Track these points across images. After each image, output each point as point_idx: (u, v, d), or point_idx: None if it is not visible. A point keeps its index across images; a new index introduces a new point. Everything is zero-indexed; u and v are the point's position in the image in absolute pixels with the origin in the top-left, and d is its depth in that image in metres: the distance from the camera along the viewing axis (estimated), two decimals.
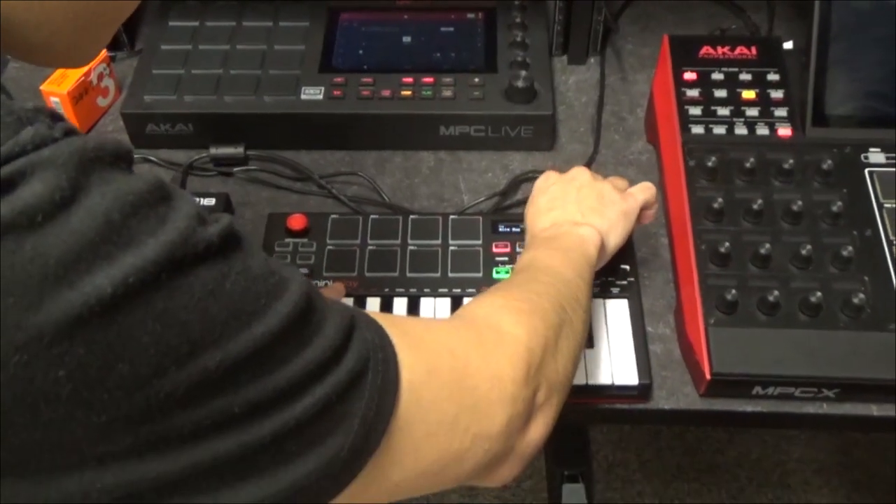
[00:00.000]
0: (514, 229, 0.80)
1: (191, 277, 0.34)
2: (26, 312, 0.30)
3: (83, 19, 0.42)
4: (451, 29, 0.98)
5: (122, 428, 0.33)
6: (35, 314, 0.30)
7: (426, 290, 0.76)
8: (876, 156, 0.79)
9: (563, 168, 0.88)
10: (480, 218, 0.81)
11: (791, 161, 0.77)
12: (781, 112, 0.82)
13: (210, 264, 0.35)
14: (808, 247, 0.72)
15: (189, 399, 0.34)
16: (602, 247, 0.67)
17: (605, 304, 0.74)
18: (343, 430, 0.40)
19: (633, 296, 0.75)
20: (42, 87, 0.91)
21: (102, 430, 0.32)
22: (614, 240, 0.69)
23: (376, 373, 0.42)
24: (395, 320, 0.48)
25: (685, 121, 0.82)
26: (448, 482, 0.49)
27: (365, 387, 0.41)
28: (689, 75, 0.85)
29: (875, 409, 0.71)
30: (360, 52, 0.96)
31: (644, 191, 0.73)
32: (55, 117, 0.35)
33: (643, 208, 0.73)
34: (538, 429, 0.52)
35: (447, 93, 0.90)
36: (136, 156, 0.91)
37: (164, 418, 0.33)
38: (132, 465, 0.33)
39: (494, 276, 0.77)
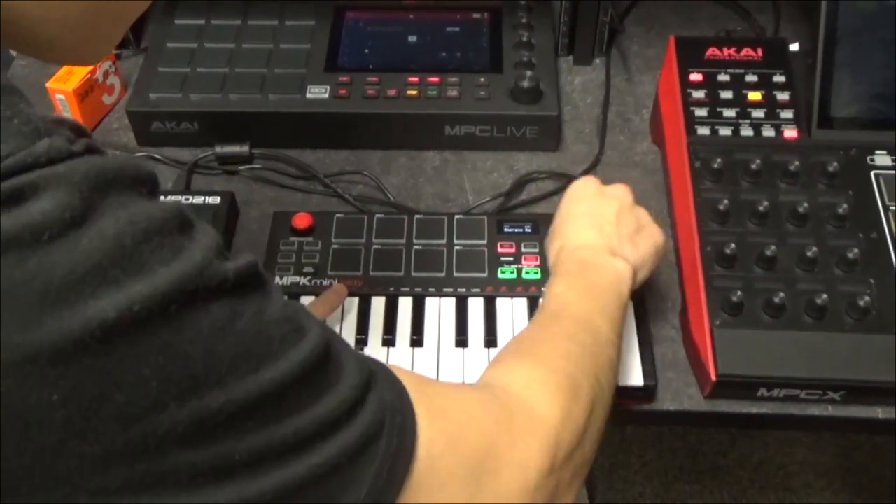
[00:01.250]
0: (518, 229, 0.80)
1: (201, 312, 0.33)
2: (23, 331, 0.29)
3: (93, 17, 0.42)
4: (457, 29, 0.98)
5: (117, 462, 0.31)
6: (32, 333, 0.29)
7: (431, 289, 0.76)
8: (882, 158, 0.79)
9: (567, 170, 0.89)
10: (485, 218, 0.81)
11: (797, 163, 0.77)
12: (787, 114, 0.82)
13: (223, 300, 0.34)
14: (814, 249, 0.72)
15: (189, 439, 0.32)
16: (633, 283, 0.64)
17: None
18: (350, 494, 0.38)
19: (639, 297, 0.75)
20: (48, 85, 0.91)
21: (96, 463, 0.31)
22: (642, 275, 0.66)
23: (391, 438, 0.40)
24: (422, 383, 0.46)
25: (691, 122, 0.82)
26: None
27: (377, 451, 0.39)
28: (695, 76, 0.85)
29: (880, 412, 0.71)
30: (366, 51, 0.96)
31: (659, 234, 0.70)
32: (79, 131, 0.34)
33: None
34: None
35: (453, 92, 0.90)
36: (140, 154, 0.91)
37: (162, 457, 0.32)
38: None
39: (499, 275, 0.77)
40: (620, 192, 0.69)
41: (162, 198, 0.35)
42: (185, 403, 0.32)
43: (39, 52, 0.42)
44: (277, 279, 0.77)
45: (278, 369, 0.35)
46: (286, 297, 0.39)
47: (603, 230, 0.65)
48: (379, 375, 0.42)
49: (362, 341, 0.73)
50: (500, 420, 0.47)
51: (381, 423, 0.40)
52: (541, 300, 0.63)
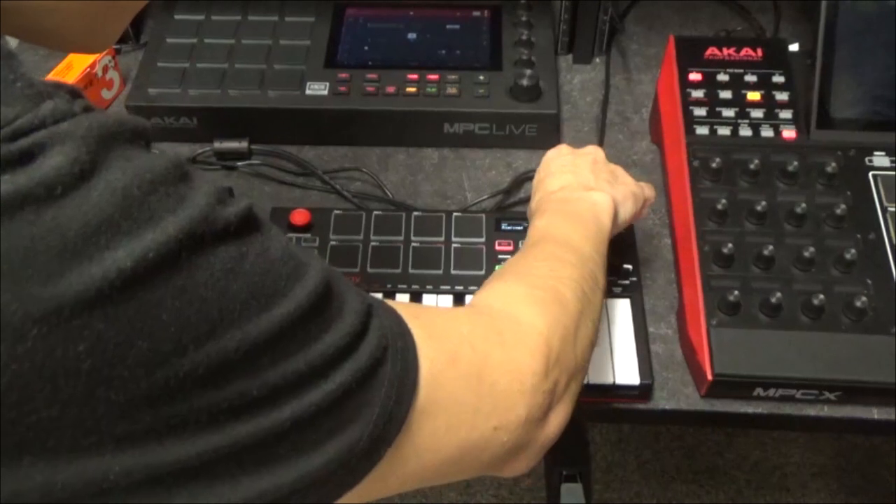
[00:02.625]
0: (517, 227, 0.80)
1: (210, 256, 0.34)
2: (45, 284, 0.30)
3: (99, 5, 0.42)
4: (457, 26, 0.98)
5: (142, 407, 0.32)
6: (54, 286, 0.30)
7: (429, 286, 0.76)
8: (880, 159, 0.79)
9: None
10: (484, 216, 0.81)
11: (795, 163, 0.77)
12: (786, 114, 0.82)
13: (229, 244, 0.35)
14: (811, 249, 0.72)
15: (209, 380, 0.33)
16: (615, 216, 0.66)
17: (607, 303, 0.74)
18: (362, 418, 0.40)
19: (636, 296, 0.75)
20: (46, 79, 0.91)
21: (122, 409, 0.32)
22: (624, 213, 0.68)
23: (395, 361, 0.42)
24: (415, 310, 0.48)
25: (690, 121, 0.82)
26: (465, 473, 0.49)
27: (384, 374, 0.41)
28: (695, 76, 0.85)
29: (876, 412, 0.71)
30: (366, 48, 0.96)
31: (649, 187, 0.73)
32: (74, 94, 0.35)
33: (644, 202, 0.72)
34: (557, 419, 0.52)
35: (452, 90, 0.90)
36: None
37: (184, 399, 0.33)
38: (151, 448, 0.33)
39: None
40: (592, 149, 0.72)
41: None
42: (203, 345, 0.33)
43: (44, 39, 0.42)
44: None
45: (287, 305, 0.36)
46: (284, 236, 0.40)
47: (578, 173, 0.68)
48: (376, 305, 0.43)
49: None
50: (489, 334, 0.49)
51: (385, 347, 0.41)
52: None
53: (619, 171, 0.71)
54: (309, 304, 0.37)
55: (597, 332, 0.58)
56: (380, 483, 0.43)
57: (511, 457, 0.50)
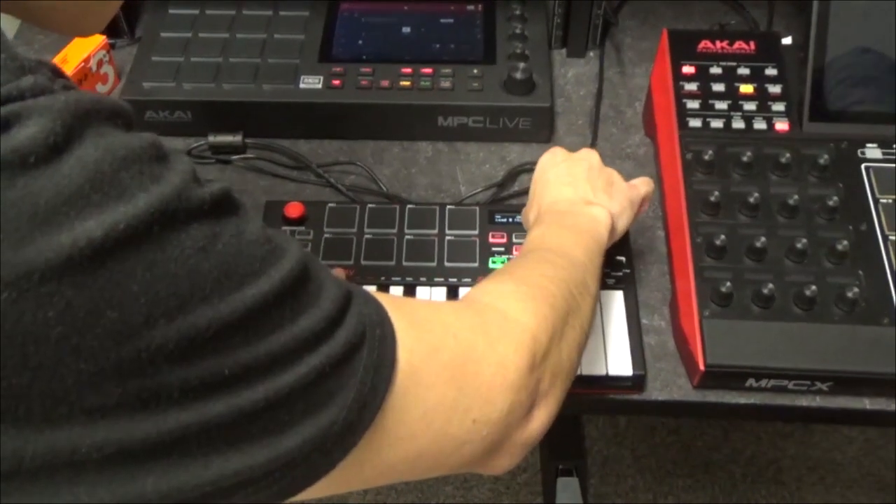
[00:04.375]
0: (510, 220, 0.80)
1: (182, 232, 0.34)
2: (15, 249, 0.30)
3: None
4: (451, 20, 0.98)
5: (112, 379, 0.32)
6: (25, 252, 0.30)
7: (422, 278, 0.76)
8: (872, 151, 0.79)
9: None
10: (477, 208, 0.82)
11: (788, 155, 0.78)
12: (779, 107, 0.82)
13: (203, 222, 0.35)
14: (804, 240, 0.72)
15: (179, 355, 0.34)
16: (612, 229, 0.66)
17: (600, 294, 0.74)
18: (337, 402, 0.40)
19: (629, 287, 0.76)
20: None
21: (92, 380, 0.32)
22: (621, 225, 0.69)
23: (372, 348, 0.42)
24: (398, 301, 0.47)
25: (683, 114, 0.82)
26: (445, 468, 0.48)
27: (360, 360, 0.41)
28: (688, 69, 0.85)
29: (868, 403, 0.71)
30: (360, 42, 0.96)
31: (645, 184, 0.74)
32: (56, 72, 0.35)
33: (642, 201, 0.73)
34: (540, 418, 0.52)
35: (446, 84, 0.90)
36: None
37: (154, 373, 0.33)
38: (122, 422, 0.33)
39: (491, 265, 0.77)
40: (587, 154, 0.72)
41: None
42: (174, 320, 0.33)
43: (37, 18, 0.43)
44: None
45: (261, 286, 0.37)
46: (262, 221, 0.40)
47: (577, 186, 0.68)
48: (355, 292, 0.43)
49: None
50: (475, 326, 0.49)
51: (363, 333, 0.41)
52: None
53: (615, 175, 0.71)
54: (283, 287, 0.38)
55: (586, 338, 0.58)
56: (356, 471, 0.43)
57: (491, 453, 0.49)
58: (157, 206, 0.33)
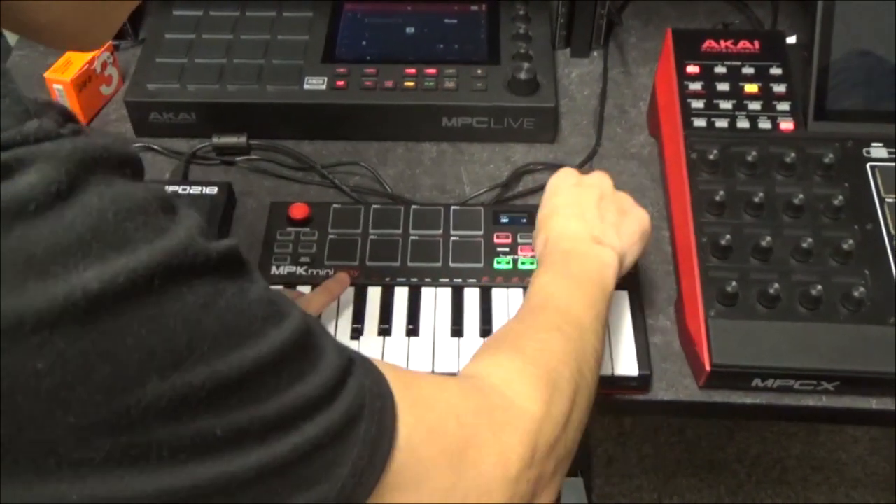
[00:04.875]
0: (515, 220, 0.80)
1: (184, 287, 0.33)
2: (8, 298, 0.29)
3: (92, 3, 0.42)
4: (455, 21, 0.98)
5: (101, 434, 0.31)
6: (17, 300, 0.29)
7: (427, 279, 0.76)
8: (878, 150, 0.79)
9: (565, 161, 0.89)
10: (482, 209, 0.81)
11: (793, 155, 0.77)
12: (784, 106, 0.82)
13: (206, 278, 0.34)
14: (809, 240, 0.72)
15: (171, 413, 0.33)
16: (619, 269, 0.64)
17: None
18: (332, 477, 0.38)
19: (634, 287, 0.75)
20: (46, 75, 0.91)
21: (80, 434, 0.31)
22: (629, 260, 0.66)
23: (371, 421, 0.40)
24: (402, 375, 0.46)
25: (687, 114, 0.82)
26: None
27: (358, 434, 0.40)
28: (692, 69, 0.85)
29: (874, 403, 0.71)
30: (364, 42, 0.96)
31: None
32: (67, 115, 0.35)
33: None
34: (543, 501, 0.50)
35: (450, 84, 0.90)
36: (138, 144, 0.91)
37: (145, 430, 0.32)
38: (110, 479, 0.32)
39: (495, 266, 0.77)
40: (599, 180, 0.68)
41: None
42: (168, 377, 0.32)
43: (39, 35, 0.42)
44: (274, 269, 0.77)
45: (260, 348, 0.36)
46: (267, 284, 0.39)
47: (585, 219, 0.65)
48: (357, 362, 0.42)
49: (358, 331, 0.73)
50: (480, 411, 0.47)
51: (362, 406, 0.40)
52: (528, 289, 0.63)
53: (627, 202, 0.68)
54: (283, 351, 0.36)
55: (589, 413, 0.56)
56: None
57: None
58: (160, 260, 0.32)
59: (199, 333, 0.33)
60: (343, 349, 0.42)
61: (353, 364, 0.41)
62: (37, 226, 0.30)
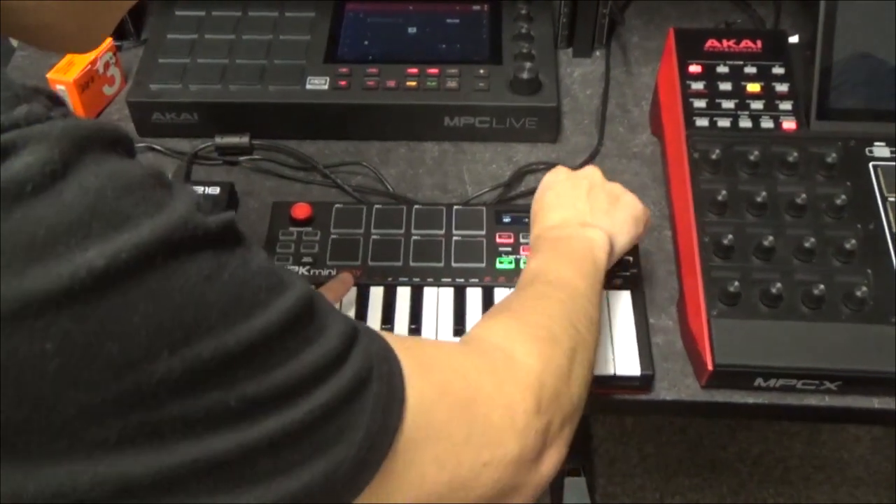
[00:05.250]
0: (517, 220, 0.80)
1: (187, 262, 0.33)
2: (12, 280, 0.29)
3: (90, 5, 0.42)
4: (457, 20, 0.98)
5: (113, 412, 0.31)
6: (21, 283, 0.29)
7: (429, 279, 0.76)
8: (880, 149, 0.79)
9: (566, 161, 0.89)
10: (484, 208, 0.81)
11: (795, 154, 0.77)
12: (786, 105, 0.82)
13: (208, 252, 0.35)
14: (812, 239, 0.72)
15: (182, 387, 0.33)
16: (610, 250, 0.65)
17: (607, 295, 0.74)
18: (346, 440, 0.39)
19: (636, 287, 0.75)
20: (48, 76, 0.91)
21: (92, 413, 0.31)
22: (622, 242, 0.67)
23: (381, 384, 0.41)
24: (404, 340, 0.46)
25: (690, 113, 0.82)
26: None
27: (369, 396, 0.40)
28: (695, 68, 0.85)
29: (877, 402, 0.71)
30: (366, 42, 0.96)
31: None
32: (55, 100, 0.35)
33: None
34: (551, 459, 0.50)
35: (452, 84, 0.90)
36: (140, 145, 0.91)
37: (157, 406, 0.32)
38: (125, 456, 0.32)
39: (497, 265, 0.77)
40: (588, 172, 0.70)
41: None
42: (177, 352, 0.32)
43: (34, 38, 0.42)
44: None
45: (267, 317, 0.36)
46: (267, 255, 0.39)
47: (575, 208, 0.67)
48: (361, 329, 0.43)
49: None
50: (482, 368, 0.49)
51: (370, 369, 0.41)
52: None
53: (618, 189, 0.69)
54: (288, 319, 0.37)
55: (592, 371, 0.57)
56: None
57: (503, 497, 0.48)
58: (162, 235, 0.32)
59: (205, 306, 0.34)
60: (346, 317, 0.42)
61: (358, 331, 0.42)
62: (36, 207, 0.30)
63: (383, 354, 0.43)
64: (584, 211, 0.67)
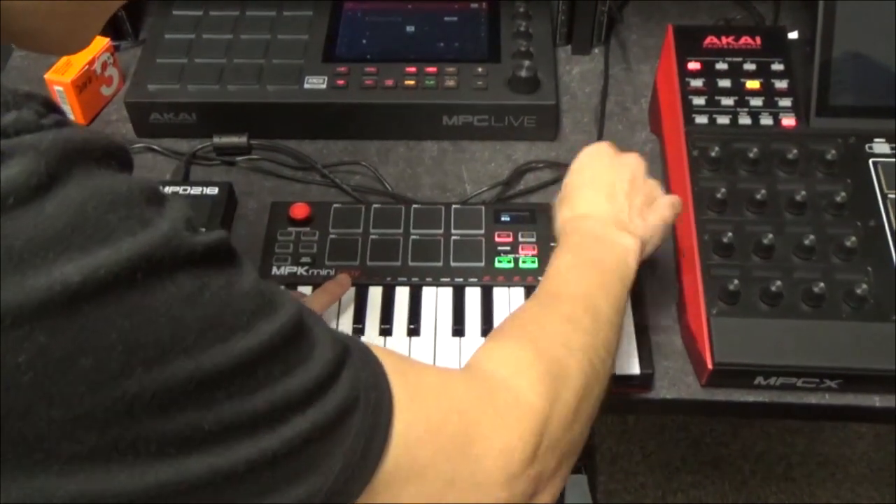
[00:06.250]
0: (516, 219, 0.80)
1: (167, 281, 0.33)
2: None
3: (79, 8, 0.42)
4: (455, 19, 0.98)
5: (86, 428, 0.31)
6: None
7: (428, 279, 0.76)
8: (880, 146, 0.79)
9: (567, 158, 0.88)
10: (483, 207, 0.81)
11: (795, 151, 0.77)
12: (786, 102, 0.82)
13: (191, 272, 0.34)
14: (812, 237, 0.72)
15: (156, 406, 0.32)
16: (641, 256, 0.63)
17: None
18: (324, 469, 0.38)
19: (636, 286, 0.75)
20: (46, 76, 0.91)
21: (65, 428, 0.31)
22: (650, 248, 0.65)
23: (366, 415, 0.40)
24: (404, 366, 0.45)
25: (689, 111, 0.82)
26: None
27: (352, 427, 0.39)
28: (694, 65, 0.85)
29: (877, 400, 0.71)
30: (364, 41, 0.95)
31: (679, 203, 0.69)
32: (49, 106, 0.34)
33: None
34: (544, 499, 0.49)
35: (450, 82, 0.90)
36: (139, 145, 0.91)
37: (130, 424, 0.32)
38: (98, 474, 0.32)
39: (496, 265, 0.77)
40: (633, 161, 0.67)
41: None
42: (153, 370, 0.32)
43: (24, 41, 0.42)
44: (275, 269, 0.77)
45: (248, 341, 0.35)
46: (258, 276, 0.39)
47: (614, 200, 0.64)
48: (354, 353, 0.42)
49: (359, 331, 0.73)
50: (483, 403, 0.47)
51: (356, 399, 0.40)
52: (546, 270, 0.61)
53: (656, 189, 0.67)
54: (272, 344, 0.36)
55: (599, 405, 0.54)
56: None
57: None
58: (143, 252, 0.32)
59: (183, 327, 0.33)
60: (338, 340, 0.41)
61: (349, 355, 0.41)
62: (16, 219, 0.30)
63: (373, 381, 0.42)
64: (621, 208, 0.63)
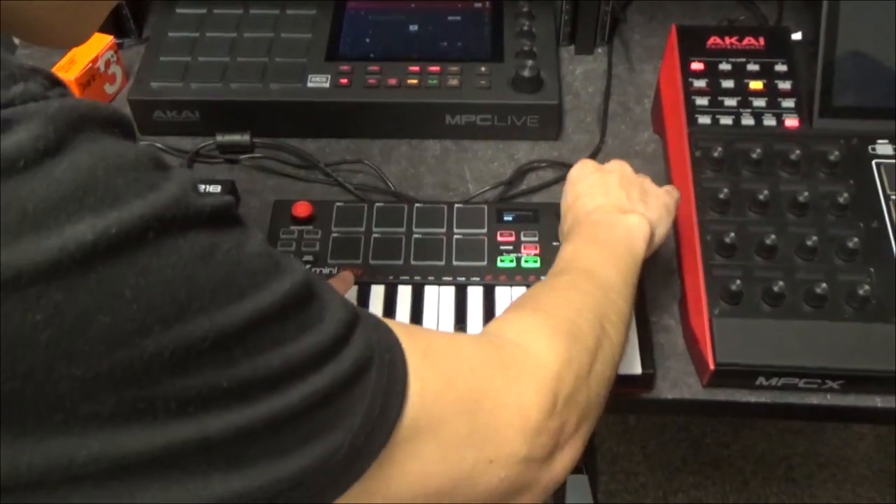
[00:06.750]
0: (519, 218, 0.80)
1: (179, 239, 0.34)
2: (2, 252, 0.30)
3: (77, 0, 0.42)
4: (458, 18, 0.98)
5: (107, 387, 0.32)
6: (11, 255, 0.30)
7: (430, 277, 0.76)
8: (883, 147, 0.79)
9: (568, 160, 0.89)
10: (485, 207, 0.81)
11: (798, 152, 0.77)
12: (789, 103, 0.82)
13: (201, 231, 0.35)
14: (814, 238, 0.72)
15: (176, 365, 0.33)
16: (650, 238, 0.63)
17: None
18: (343, 426, 0.39)
19: (637, 285, 0.75)
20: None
21: (85, 387, 0.31)
22: (661, 232, 0.66)
23: (381, 372, 0.41)
24: (412, 330, 0.46)
25: (692, 111, 0.82)
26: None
27: (368, 384, 0.40)
28: (697, 66, 0.85)
29: (879, 401, 0.71)
30: (367, 40, 0.96)
31: (675, 190, 0.72)
32: (54, 81, 0.35)
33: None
34: (564, 459, 0.49)
35: (453, 82, 0.90)
36: (142, 143, 0.91)
37: (150, 382, 0.32)
38: (118, 433, 0.32)
39: (499, 264, 0.77)
40: (617, 165, 0.70)
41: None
42: (169, 328, 0.33)
43: (24, 33, 0.42)
44: None
45: (261, 299, 0.36)
46: (265, 238, 0.39)
47: (611, 194, 0.66)
48: (363, 317, 0.42)
49: None
50: (494, 362, 0.47)
51: (370, 358, 0.40)
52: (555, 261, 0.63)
53: (647, 182, 0.69)
54: (285, 302, 0.37)
55: (616, 369, 0.55)
56: (364, 500, 0.41)
57: (512, 494, 0.47)
58: (153, 213, 0.33)
59: (197, 285, 0.34)
60: (348, 304, 0.42)
61: (359, 318, 0.42)
62: (27, 182, 0.31)
63: (386, 343, 0.42)
64: (619, 197, 0.65)
